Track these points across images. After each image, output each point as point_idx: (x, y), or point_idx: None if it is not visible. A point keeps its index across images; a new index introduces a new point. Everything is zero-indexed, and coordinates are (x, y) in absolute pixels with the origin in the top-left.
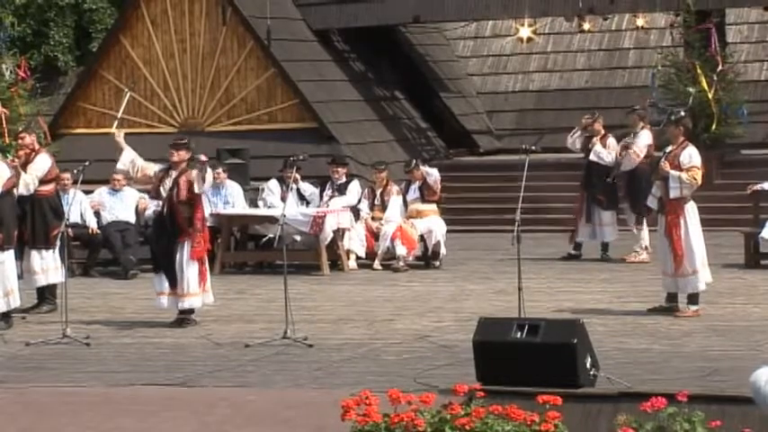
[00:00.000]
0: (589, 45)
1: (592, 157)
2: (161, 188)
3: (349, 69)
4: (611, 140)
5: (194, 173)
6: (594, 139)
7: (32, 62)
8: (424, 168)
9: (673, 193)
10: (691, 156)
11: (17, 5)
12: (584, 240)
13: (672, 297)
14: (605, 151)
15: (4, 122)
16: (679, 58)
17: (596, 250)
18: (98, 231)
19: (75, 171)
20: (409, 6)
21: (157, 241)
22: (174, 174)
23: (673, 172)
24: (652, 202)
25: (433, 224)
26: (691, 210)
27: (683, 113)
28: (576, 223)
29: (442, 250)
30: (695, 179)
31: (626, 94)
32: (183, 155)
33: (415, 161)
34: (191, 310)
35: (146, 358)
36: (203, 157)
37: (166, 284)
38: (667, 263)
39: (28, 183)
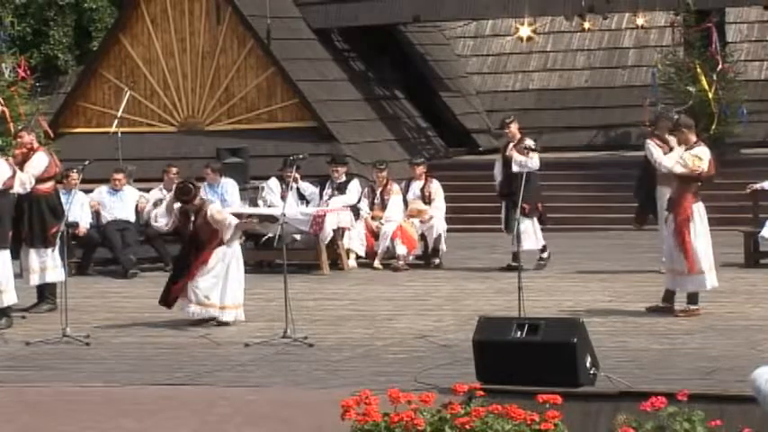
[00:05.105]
0: (589, 44)
1: (515, 168)
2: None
3: (349, 68)
4: (528, 142)
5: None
6: (511, 145)
7: (32, 61)
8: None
9: (674, 167)
10: (700, 150)
11: (17, 5)
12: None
13: (668, 295)
14: (526, 159)
15: (8, 119)
16: (679, 57)
17: (589, 253)
18: (86, 230)
19: (74, 170)
20: (409, 5)
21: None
22: (192, 215)
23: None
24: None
25: (433, 219)
26: (698, 211)
27: (675, 116)
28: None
29: (443, 246)
30: (695, 163)
31: (626, 93)
32: (198, 200)
33: (422, 159)
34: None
35: (146, 357)
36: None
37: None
38: (677, 262)
39: (24, 181)
